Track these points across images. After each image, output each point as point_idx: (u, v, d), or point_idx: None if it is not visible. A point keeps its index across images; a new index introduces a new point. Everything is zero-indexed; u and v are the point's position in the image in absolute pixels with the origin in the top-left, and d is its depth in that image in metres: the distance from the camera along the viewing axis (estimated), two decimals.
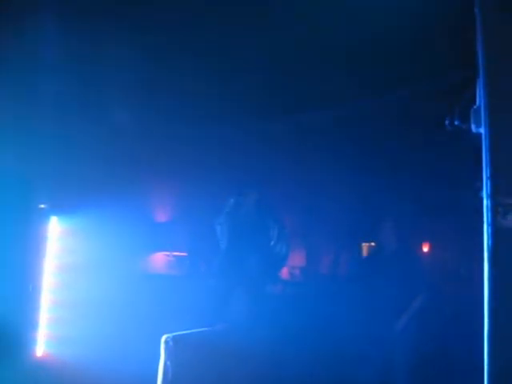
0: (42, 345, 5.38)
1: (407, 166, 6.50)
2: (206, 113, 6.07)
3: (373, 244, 8.68)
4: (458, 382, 5.06)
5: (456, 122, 2.82)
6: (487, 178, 2.37)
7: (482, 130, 2.49)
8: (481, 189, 2.53)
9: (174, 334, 4.35)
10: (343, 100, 5.76)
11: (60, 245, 5.56)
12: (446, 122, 2.89)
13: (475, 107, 2.64)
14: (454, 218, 6.75)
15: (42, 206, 5.58)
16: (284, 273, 6.99)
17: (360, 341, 5.21)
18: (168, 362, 4.22)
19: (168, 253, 7.02)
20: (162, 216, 6.98)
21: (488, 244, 2.27)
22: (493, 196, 2.33)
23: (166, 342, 4.26)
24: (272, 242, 5.30)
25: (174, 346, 4.25)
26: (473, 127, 2.64)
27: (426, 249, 7.71)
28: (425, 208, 6.85)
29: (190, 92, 5.55)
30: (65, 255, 5.55)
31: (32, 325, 5.34)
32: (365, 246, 9.16)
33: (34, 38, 4.63)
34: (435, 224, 7.22)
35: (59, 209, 5.59)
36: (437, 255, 7.67)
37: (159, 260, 6.97)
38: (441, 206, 6.92)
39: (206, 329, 4.79)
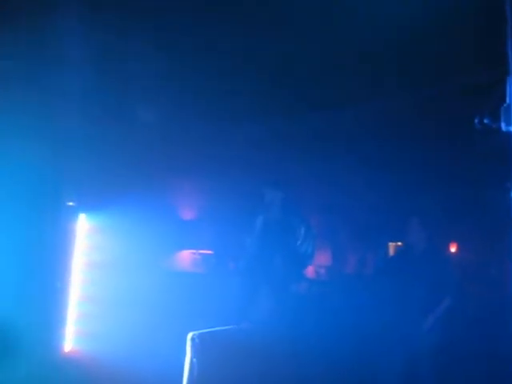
0: (70, 341, 5.44)
1: (434, 164, 6.45)
2: (232, 111, 6.09)
3: (399, 244, 8.65)
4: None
5: (486, 121, 2.79)
6: None
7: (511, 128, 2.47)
8: (510, 189, 2.51)
9: (200, 331, 4.36)
10: (367, 99, 5.72)
11: (88, 242, 5.61)
12: (476, 121, 2.85)
13: (505, 105, 2.61)
14: (483, 219, 6.69)
15: (71, 203, 5.64)
16: (310, 271, 6.98)
17: (386, 340, 5.19)
18: (194, 360, 4.23)
19: (194, 251, 7.05)
20: (188, 214, 7.01)
21: None
22: None
23: (192, 340, 4.28)
24: (298, 242, 5.29)
25: (200, 344, 4.26)
26: (503, 126, 2.61)
27: (453, 249, 7.65)
28: (452, 208, 6.80)
29: (217, 90, 5.57)
30: (93, 252, 5.61)
31: (60, 321, 5.41)
32: (391, 245, 9.11)
33: (58, 34, 4.68)
34: (463, 224, 7.17)
35: (88, 206, 5.64)
36: (464, 256, 7.61)
37: (185, 258, 7.00)
38: (469, 205, 6.86)
39: (231, 327, 4.80)
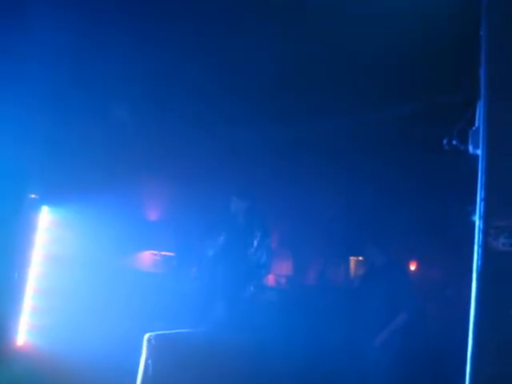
0: (24, 334, 5.34)
1: (399, 183, 6.53)
2: (201, 116, 6.08)
3: (360, 258, 8.72)
4: None
5: (454, 142, 2.83)
6: (481, 199, 2.37)
7: (479, 152, 2.50)
8: (473, 211, 2.54)
9: (157, 332, 4.34)
10: (346, 113, 5.77)
11: (49, 235, 5.54)
12: (444, 142, 2.89)
13: (474, 128, 2.65)
14: (442, 238, 6.79)
15: (33, 195, 5.55)
16: (270, 280, 7.01)
17: (340, 352, 5.23)
18: (149, 361, 4.20)
19: (155, 252, 7.02)
20: (152, 215, 6.98)
21: (477, 265, 2.27)
22: (485, 218, 2.33)
23: (149, 340, 4.26)
24: (252, 249, 5.31)
25: (156, 345, 4.25)
26: (470, 148, 2.65)
27: (413, 267, 7.75)
28: (415, 226, 6.89)
29: (185, 93, 5.56)
30: (53, 245, 5.53)
31: (15, 313, 5.31)
32: (352, 259, 9.19)
33: (31, 27, 4.63)
34: (423, 243, 7.26)
35: (50, 199, 5.56)
36: (423, 274, 7.71)
37: (146, 258, 6.96)
38: (431, 224, 6.96)
39: (187, 330, 4.79)
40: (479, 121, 2.60)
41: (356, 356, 5.21)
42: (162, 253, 6.99)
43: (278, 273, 7.73)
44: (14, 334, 5.29)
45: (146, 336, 4.28)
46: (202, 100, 5.61)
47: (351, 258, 9.28)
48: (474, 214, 2.50)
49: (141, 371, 4.23)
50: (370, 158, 6.21)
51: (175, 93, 5.47)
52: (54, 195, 5.53)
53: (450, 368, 4.86)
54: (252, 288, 5.26)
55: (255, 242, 5.27)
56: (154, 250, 6.95)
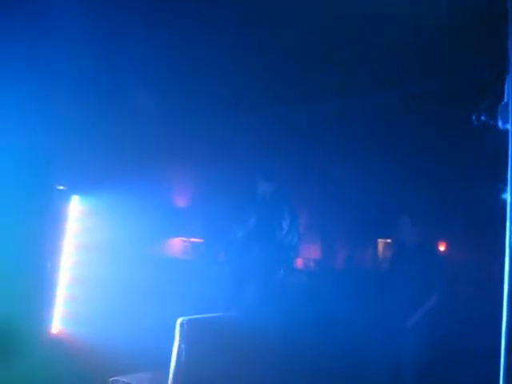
0: (58, 322, 5.43)
1: (429, 162, 6.48)
2: (225, 100, 6.09)
3: (388, 240, 8.70)
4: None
5: (483, 118, 2.80)
6: None
7: (509, 127, 2.48)
8: (503, 189, 2.52)
9: (189, 317, 4.38)
10: (363, 93, 5.72)
11: (80, 224, 5.60)
12: (473, 118, 2.86)
13: (503, 103, 2.62)
14: (474, 218, 6.73)
15: (62, 187, 5.62)
16: (299, 263, 7.02)
17: (373, 334, 5.23)
18: (182, 345, 4.25)
19: (185, 238, 7.07)
20: (180, 202, 7.02)
21: (510, 242, 2.25)
22: None
23: (181, 325, 4.29)
24: (283, 232, 5.32)
25: (189, 329, 4.28)
26: (500, 123, 2.62)
27: (443, 248, 7.69)
28: (444, 206, 6.85)
29: (211, 77, 5.57)
30: (84, 235, 5.60)
31: (49, 302, 5.40)
32: (381, 242, 9.17)
33: (56, 18, 4.66)
34: (454, 223, 7.21)
35: (81, 188, 5.62)
36: (450, 256, 7.65)
37: (176, 245, 7.02)
38: (460, 204, 6.91)
39: (219, 314, 4.83)
40: (508, 95, 2.57)
41: (387, 338, 5.20)
42: (191, 239, 7.03)
43: (307, 256, 7.75)
44: (48, 322, 5.38)
45: (179, 321, 4.32)
46: (226, 84, 5.61)
47: (379, 240, 9.27)
48: (504, 192, 2.48)
49: (174, 356, 4.28)
50: (396, 140, 6.18)
51: (200, 76, 5.48)
52: (83, 184, 5.59)
53: (479, 352, 4.88)
54: (282, 271, 5.28)
55: (285, 225, 5.28)
56: (183, 236, 7.00)
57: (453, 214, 6.93)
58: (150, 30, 4.81)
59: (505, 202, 2.53)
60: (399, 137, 6.09)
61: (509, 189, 2.40)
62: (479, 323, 5.48)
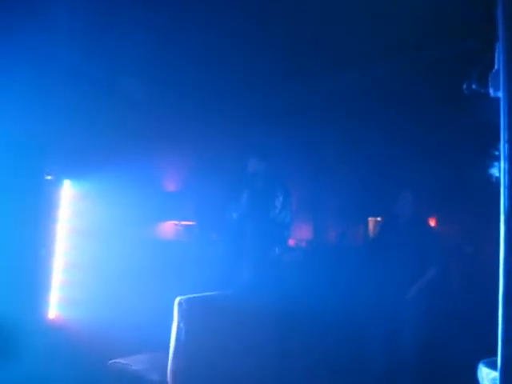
0: (55, 307, 5.44)
1: (416, 139, 6.50)
2: (215, 78, 6.08)
3: (379, 219, 8.73)
4: (463, 357, 5.12)
5: (473, 86, 2.81)
6: (505, 141, 2.36)
7: (500, 94, 2.49)
8: (490, 165, 2.55)
9: (187, 296, 4.40)
10: (356, 66, 5.72)
11: (72, 209, 5.59)
12: (464, 86, 2.87)
13: (494, 71, 2.63)
14: (461, 195, 6.77)
15: (49, 177, 5.59)
16: (291, 244, 7.04)
17: (370, 308, 5.27)
18: (181, 324, 4.27)
19: (177, 221, 7.06)
20: (171, 185, 7.02)
21: (504, 206, 2.27)
22: (510, 159, 2.32)
23: (180, 304, 4.31)
24: (277, 210, 5.35)
25: (187, 308, 4.30)
26: (491, 91, 2.64)
27: (433, 223, 7.73)
28: (437, 181, 6.85)
29: (202, 59, 5.56)
30: (77, 219, 5.59)
31: (45, 288, 5.40)
32: (371, 220, 9.20)
33: (48, 5, 4.64)
34: (441, 200, 7.24)
35: (71, 173, 5.60)
36: (442, 231, 7.70)
37: (168, 228, 7.02)
38: (448, 181, 6.93)
39: (217, 293, 4.85)
40: (499, 63, 2.58)
41: (385, 311, 5.25)
42: (183, 222, 7.03)
43: (298, 237, 7.76)
44: (45, 308, 5.38)
45: (177, 300, 4.33)
46: (214, 64, 5.61)
47: (370, 219, 9.30)
48: (492, 167, 2.51)
49: (173, 335, 4.30)
50: (386, 114, 6.18)
51: (188, 58, 5.48)
52: (74, 169, 5.58)
53: (473, 326, 4.94)
54: (277, 249, 5.31)
55: (278, 203, 5.30)
56: (175, 219, 7.00)
57: (444, 189, 6.95)
58: (143, 14, 4.80)
59: (494, 176, 2.56)
60: (392, 111, 6.10)
61: (502, 155, 2.42)
62: (475, 295, 5.55)
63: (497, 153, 2.61)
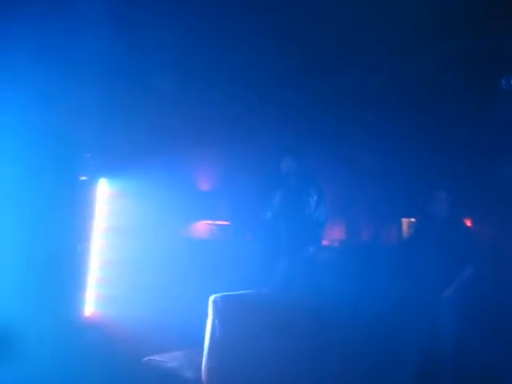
0: (91, 305, 5.50)
1: (447, 136, 6.42)
2: (247, 75, 6.10)
3: (412, 220, 8.63)
4: (499, 357, 5.05)
5: None
6: None
7: None
8: None
9: (222, 294, 4.42)
10: (389, 59, 5.67)
11: (108, 207, 5.65)
12: (503, 82, 2.85)
13: None
14: (494, 194, 6.66)
15: (87, 171, 5.65)
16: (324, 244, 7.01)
17: (407, 308, 5.22)
18: (216, 321, 4.29)
19: (211, 221, 7.09)
20: (206, 184, 7.04)
21: None
22: None
23: (215, 302, 4.33)
24: (311, 208, 5.35)
25: (222, 306, 4.32)
26: None
27: (469, 223, 7.62)
28: (465, 181, 6.76)
29: (232, 58, 5.59)
30: (113, 217, 5.65)
31: (81, 285, 5.46)
32: (405, 221, 9.11)
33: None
34: (475, 199, 7.13)
35: (108, 171, 5.66)
36: (479, 231, 7.58)
37: (202, 228, 7.04)
38: (481, 179, 6.83)
39: (251, 291, 4.86)
40: None
41: (422, 311, 5.20)
42: (217, 222, 7.05)
43: (331, 237, 7.72)
44: (82, 305, 5.45)
45: (212, 298, 4.35)
46: (247, 58, 5.62)
47: (403, 219, 9.21)
48: None
49: (208, 332, 4.32)
50: (420, 112, 6.13)
51: (220, 56, 5.50)
52: (110, 167, 5.63)
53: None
54: (311, 248, 5.30)
55: (311, 201, 5.30)
56: (209, 219, 7.02)
57: (481, 189, 6.84)
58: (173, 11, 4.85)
59: None
60: (426, 108, 6.04)
61: None
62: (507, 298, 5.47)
63: None
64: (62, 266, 5.14)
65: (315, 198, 5.36)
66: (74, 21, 4.88)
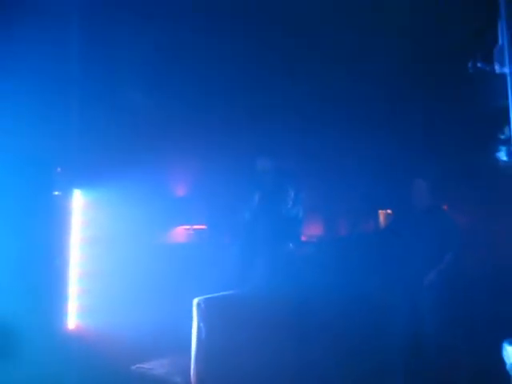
0: (74, 317, 5.43)
1: (423, 129, 6.49)
2: (219, 81, 6.09)
3: (389, 211, 8.70)
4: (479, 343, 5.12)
5: (479, 65, 2.82)
6: None
7: (506, 70, 2.50)
8: (496, 150, 2.56)
9: (205, 296, 4.41)
10: (360, 57, 5.73)
11: (84, 218, 5.60)
12: (469, 65, 2.88)
13: (498, 47, 2.64)
14: (472, 183, 6.74)
15: (61, 185, 5.60)
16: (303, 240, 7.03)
17: (388, 296, 5.27)
18: (201, 324, 4.27)
19: (188, 226, 7.06)
20: (181, 190, 7.02)
21: None
22: None
23: (198, 305, 4.32)
24: (288, 206, 5.37)
25: (206, 308, 4.31)
26: (497, 67, 2.65)
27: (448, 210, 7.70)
28: (448, 169, 6.83)
29: (201, 60, 5.59)
30: (90, 228, 5.60)
31: (62, 298, 5.40)
32: (381, 213, 9.17)
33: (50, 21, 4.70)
34: (453, 188, 7.21)
35: (81, 182, 5.61)
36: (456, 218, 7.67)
37: (180, 233, 7.01)
38: (459, 169, 6.91)
39: (234, 292, 4.86)
40: (502, 39, 2.59)
41: (404, 298, 5.25)
42: (195, 227, 7.02)
43: (309, 233, 7.75)
44: (64, 318, 5.39)
45: (195, 301, 4.34)
46: (215, 65, 5.63)
47: (380, 211, 9.27)
48: (498, 150, 2.51)
49: (194, 335, 4.31)
50: (391, 104, 6.18)
51: (187, 60, 5.51)
52: (84, 178, 5.58)
53: (495, 308, 4.94)
54: (291, 245, 5.32)
55: (289, 199, 5.32)
56: (186, 224, 6.99)
57: (459, 177, 6.92)
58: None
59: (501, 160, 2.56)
60: (397, 100, 6.10)
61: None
62: (492, 281, 5.55)
63: (502, 136, 2.62)
64: (41, 281, 5.08)
65: (292, 195, 5.38)
66: (42, 34, 4.85)
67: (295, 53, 5.61)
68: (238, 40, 5.34)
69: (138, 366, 4.67)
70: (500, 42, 2.67)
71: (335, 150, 7.45)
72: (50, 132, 5.09)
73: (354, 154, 7.51)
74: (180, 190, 7.04)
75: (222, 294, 4.66)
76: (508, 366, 2.58)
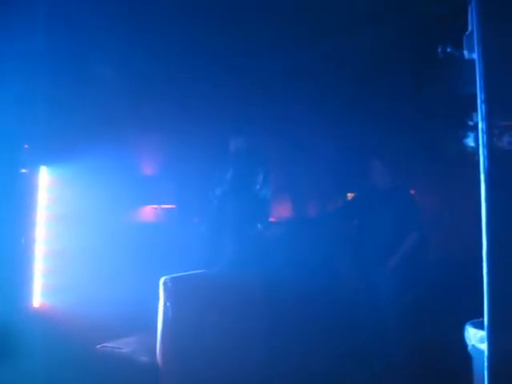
0: (39, 296, 5.38)
1: (390, 110, 6.51)
2: (188, 58, 6.04)
3: (356, 193, 8.74)
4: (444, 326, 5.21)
5: (448, 49, 2.84)
6: (482, 101, 2.40)
7: (475, 56, 2.51)
8: (464, 136, 2.58)
9: (172, 275, 4.40)
10: (329, 36, 5.71)
11: (51, 195, 5.51)
12: (439, 50, 2.90)
13: (468, 32, 2.66)
14: (438, 164, 6.81)
15: (27, 162, 5.51)
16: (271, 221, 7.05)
17: (353, 277, 5.32)
18: (168, 303, 4.27)
19: (156, 206, 7.02)
20: (150, 169, 6.96)
21: (484, 166, 2.31)
22: (488, 119, 2.36)
23: (165, 284, 4.31)
24: (257, 187, 5.37)
25: (173, 287, 4.31)
26: (466, 53, 2.66)
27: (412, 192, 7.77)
28: (408, 153, 6.89)
29: (174, 38, 5.52)
30: (55, 206, 5.52)
31: (28, 277, 5.34)
32: (350, 196, 9.22)
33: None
34: (419, 169, 7.28)
35: (48, 159, 5.52)
36: (421, 201, 7.75)
37: (148, 213, 6.97)
38: (424, 150, 6.97)
39: (201, 271, 4.86)
40: (472, 25, 2.60)
41: (368, 280, 5.30)
42: (163, 206, 6.99)
43: (278, 214, 7.76)
44: (29, 296, 5.33)
45: (162, 280, 4.33)
46: (188, 41, 5.57)
47: (349, 194, 9.33)
48: (466, 137, 2.54)
49: (160, 314, 4.30)
50: (356, 86, 6.19)
51: (158, 37, 5.43)
52: (50, 155, 5.49)
53: (459, 290, 5.01)
54: (259, 225, 5.32)
55: (259, 180, 5.32)
56: (155, 203, 6.95)
57: (421, 158, 6.98)
58: None
59: (469, 146, 2.59)
60: (363, 82, 6.11)
61: (479, 115, 2.45)
62: (456, 263, 5.62)
63: (470, 123, 2.65)
64: (6, 259, 5.02)
65: (261, 176, 5.38)
66: (5, 8, 4.75)
67: (263, 33, 5.56)
68: (204, 18, 5.27)
69: (103, 344, 4.65)
70: (469, 27, 2.68)
71: (304, 130, 7.45)
72: (16, 109, 4.98)
73: (323, 134, 7.52)
74: (149, 169, 6.99)
75: (189, 273, 4.66)
76: (469, 348, 2.64)
